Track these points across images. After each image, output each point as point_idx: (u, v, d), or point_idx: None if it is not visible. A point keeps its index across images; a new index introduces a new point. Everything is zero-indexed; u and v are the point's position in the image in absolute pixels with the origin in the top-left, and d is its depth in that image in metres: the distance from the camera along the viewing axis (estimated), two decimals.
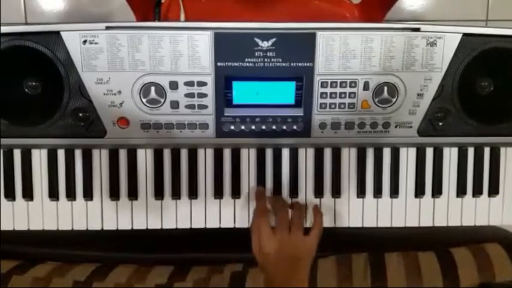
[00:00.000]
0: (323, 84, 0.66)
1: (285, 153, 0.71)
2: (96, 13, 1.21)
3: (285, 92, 0.66)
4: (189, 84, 0.65)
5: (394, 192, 0.71)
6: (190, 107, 0.66)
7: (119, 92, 0.65)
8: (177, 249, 0.77)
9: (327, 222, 0.71)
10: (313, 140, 0.68)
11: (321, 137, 0.68)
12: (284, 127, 0.67)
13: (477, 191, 0.72)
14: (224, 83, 0.65)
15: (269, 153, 0.71)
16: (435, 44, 0.65)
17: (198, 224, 0.71)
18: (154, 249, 0.76)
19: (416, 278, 0.69)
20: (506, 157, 0.72)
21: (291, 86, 0.66)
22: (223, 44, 0.63)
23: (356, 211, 0.72)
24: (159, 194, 0.70)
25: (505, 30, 0.66)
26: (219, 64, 0.64)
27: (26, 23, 1.19)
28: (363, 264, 0.71)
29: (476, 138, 0.70)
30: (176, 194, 0.70)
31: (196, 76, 0.65)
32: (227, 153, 0.70)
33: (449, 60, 0.66)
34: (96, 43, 0.63)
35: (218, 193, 0.70)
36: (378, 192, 0.71)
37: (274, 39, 0.63)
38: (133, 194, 0.70)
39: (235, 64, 0.64)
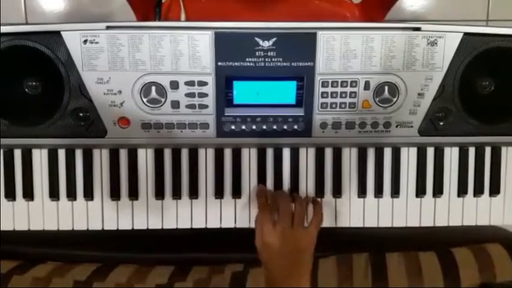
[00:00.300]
0: (324, 84, 0.66)
1: (286, 153, 0.71)
2: (97, 13, 1.21)
3: (285, 91, 0.66)
4: (190, 84, 0.65)
5: (395, 192, 0.71)
6: (191, 106, 0.66)
7: (120, 91, 0.65)
8: (177, 249, 0.76)
9: (328, 222, 0.71)
10: (314, 139, 0.68)
11: (322, 136, 0.68)
12: (285, 127, 0.67)
13: (478, 191, 0.72)
14: (225, 82, 0.65)
15: (270, 153, 0.71)
16: (436, 43, 0.65)
17: (199, 224, 0.71)
18: (154, 249, 0.76)
19: (417, 278, 0.69)
20: (507, 157, 0.72)
21: (291, 85, 0.66)
22: (224, 44, 0.63)
23: (357, 211, 0.72)
24: (159, 194, 0.70)
25: (506, 29, 0.65)
26: (219, 64, 0.64)
27: (27, 23, 1.19)
28: (364, 264, 0.71)
29: (477, 137, 0.70)
30: (177, 194, 0.70)
31: (196, 76, 0.64)
32: (228, 153, 0.70)
33: (450, 59, 0.66)
34: (96, 43, 0.63)
35: (219, 193, 0.70)
36: (378, 192, 0.71)
37: (274, 39, 0.63)
38: (133, 194, 0.69)
39: (236, 64, 0.64)
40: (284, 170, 0.71)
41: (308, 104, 0.67)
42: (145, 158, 0.69)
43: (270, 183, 0.71)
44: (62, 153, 0.69)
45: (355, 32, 0.64)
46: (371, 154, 0.71)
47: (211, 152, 0.70)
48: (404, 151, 0.71)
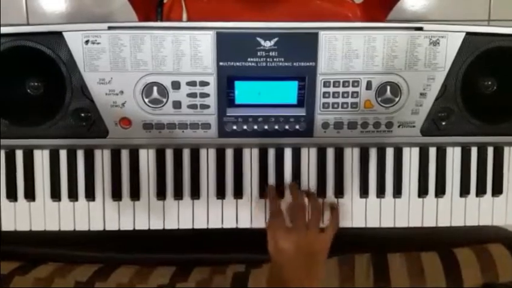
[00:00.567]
0: (326, 84, 0.65)
1: (288, 153, 0.70)
2: (98, 13, 1.21)
3: (287, 91, 0.66)
4: (191, 84, 0.65)
5: (397, 192, 0.71)
6: (193, 107, 0.66)
7: (121, 92, 0.65)
8: (179, 249, 0.76)
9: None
10: (316, 139, 0.68)
11: (324, 136, 0.68)
12: (286, 127, 0.67)
13: (480, 191, 0.72)
14: (226, 82, 0.65)
15: (271, 153, 0.70)
16: (438, 43, 0.65)
17: (200, 224, 0.71)
18: (156, 249, 0.76)
19: (419, 278, 0.68)
20: (510, 157, 0.72)
21: (293, 85, 0.66)
22: (226, 44, 0.63)
23: (359, 211, 0.72)
24: (161, 194, 0.70)
25: (508, 29, 0.65)
26: (221, 64, 0.64)
27: (28, 24, 1.19)
28: (366, 265, 0.71)
29: (479, 137, 0.70)
30: (178, 195, 0.70)
31: (198, 76, 0.64)
32: (229, 153, 0.70)
33: (452, 59, 0.65)
34: (98, 43, 0.63)
35: (220, 193, 0.70)
36: (381, 192, 0.71)
37: (276, 39, 0.63)
38: (135, 195, 0.69)
39: (238, 64, 0.64)
40: (286, 170, 0.71)
41: (310, 104, 0.66)
42: (146, 159, 0.69)
43: (271, 183, 0.71)
44: (63, 154, 0.69)
45: (357, 32, 0.64)
46: (373, 154, 0.71)
47: (212, 152, 0.70)
48: (406, 151, 0.71)
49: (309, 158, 0.71)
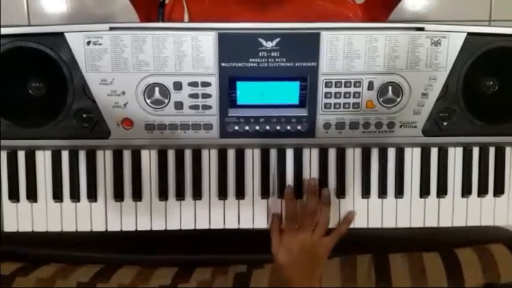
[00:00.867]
0: (327, 84, 0.65)
1: (289, 154, 0.70)
2: (100, 14, 1.21)
3: (289, 92, 0.66)
4: (193, 84, 0.65)
5: (399, 192, 0.71)
6: (195, 107, 0.66)
7: (123, 92, 0.65)
8: (181, 250, 0.77)
9: (332, 223, 0.70)
10: (318, 140, 0.68)
11: (326, 137, 0.68)
12: (288, 127, 0.67)
13: (482, 191, 0.72)
14: (228, 83, 0.65)
15: (273, 154, 0.70)
16: (439, 43, 0.65)
17: (202, 225, 0.71)
18: (158, 250, 0.76)
19: (421, 278, 0.69)
20: None
21: (295, 86, 0.66)
22: (227, 45, 0.63)
23: (361, 212, 0.71)
24: (163, 195, 0.69)
25: (509, 29, 0.65)
26: (223, 64, 0.64)
27: (29, 25, 1.19)
28: (367, 265, 0.71)
29: (481, 138, 0.70)
30: (180, 195, 0.70)
31: (200, 77, 0.64)
32: (231, 154, 0.70)
33: (453, 59, 0.65)
34: (100, 44, 0.63)
35: (222, 194, 0.70)
36: (382, 193, 0.71)
37: (278, 39, 0.63)
38: (137, 195, 0.69)
39: (239, 64, 0.64)
40: (288, 171, 0.70)
41: (311, 104, 0.66)
42: (148, 159, 0.69)
43: (273, 184, 0.71)
44: (65, 155, 0.69)
45: (359, 32, 0.64)
46: (375, 154, 0.71)
47: (214, 153, 0.70)
48: (408, 151, 0.71)
49: (310, 158, 0.71)
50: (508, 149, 0.72)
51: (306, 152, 0.71)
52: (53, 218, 0.70)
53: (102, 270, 0.71)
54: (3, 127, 0.65)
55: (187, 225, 0.71)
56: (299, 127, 0.67)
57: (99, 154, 0.69)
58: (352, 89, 0.66)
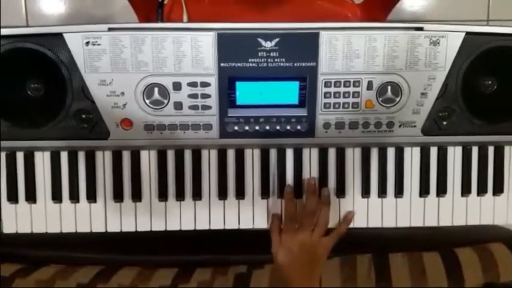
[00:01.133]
0: (327, 84, 0.66)
1: (289, 154, 0.70)
2: (98, 15, 1.21)
3: (288, 92, 0.66)
4: (193, 85, 0.65)
5: (399, 192, 0.71)
6: (194, 107, 0.66)
7: (122, 93, 0.65)
8: (181, 251, 0.76)
9: (332, 223, 0.70)
10: (317, 140, 0.68)
11: (325, 137, 0.68)
12: (288, 127, 0.67)
13: (482, 190, 0.72)
14: (228, 83, 0.65)
15: (273, 154, 0.70)
16: (438, 43, 0.65)
17: (202, 225, 0.70)
18: (158, 251, 0.76)
19: (421, 278, 0.69)
20: (511, 156, 0.72)
21: (294, 86, 0.66)
22: (227, 45, 0.63)
23: (361, 211, 0.71)
24: (162, 195, 0.69)
25: (508, 28, 0.66)
26: (222, 65, 0.64)
27: (28, 26, 1.19)
28: (367, 265, 0.71)
29: (480, 137, 0.70)
30: (180, 196, 0.70)
31: (199, 77, 0.64)
32: (231, 154, 0.70)
33: (452, 59, 0.66)
34: (98, 44, 0.63)
35: (222, 194, 0.70)
36: (382, 192, 0.71)
37: (277, 40, 0.63)
38: (137, 196, 0.69)
39: (239, 64, 0.64)
40: (287, 171, 0.70)
41: (311, 104, 0.66)
42: (148, 160, 0.69)
43: (273, 184, 0.71)
44: (64, 156, 0.69)
45: (358, 32, 0.64)
46: (374, 154, 0.71)
47: (214, 153, 0.70)
48: (407, 151, 0.71)
49: (310, 158, 0.71)
50: (507, 148, 0.72)
51: (305, 152, 0.71)
52: (53, 219, 0.70)
53: (102, 271, 0.71)
54: (2, 128, 0.65)
55: (187, 225, 0.70)
56: (299, 127, 0.67)
57: (99, 155, 0.69)
58: (351, 89, 0.66)
